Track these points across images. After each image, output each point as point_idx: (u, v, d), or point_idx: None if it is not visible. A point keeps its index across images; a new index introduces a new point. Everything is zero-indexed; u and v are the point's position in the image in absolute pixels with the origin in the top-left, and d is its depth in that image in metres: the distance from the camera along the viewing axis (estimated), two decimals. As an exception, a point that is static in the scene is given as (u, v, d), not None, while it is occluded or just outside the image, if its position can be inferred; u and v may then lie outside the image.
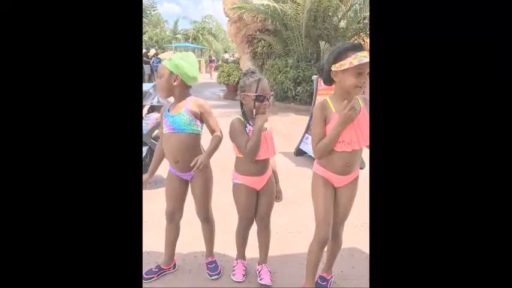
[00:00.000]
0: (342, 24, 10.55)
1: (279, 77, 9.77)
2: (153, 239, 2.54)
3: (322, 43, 8.85)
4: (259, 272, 2.22)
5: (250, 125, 1.97)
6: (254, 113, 1.94)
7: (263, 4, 9.99)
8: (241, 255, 2.31)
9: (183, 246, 2.48)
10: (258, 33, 11.50)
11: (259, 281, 2.17)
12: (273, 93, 2.03)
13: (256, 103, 1.92)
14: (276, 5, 9.59)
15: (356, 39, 10.10)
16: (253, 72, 2.01)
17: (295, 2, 9.13)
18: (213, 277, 2.23)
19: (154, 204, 2.99)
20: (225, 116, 6.81)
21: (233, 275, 2.24)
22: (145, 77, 14.06)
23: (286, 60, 10.05)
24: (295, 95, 9.61)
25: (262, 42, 11.45)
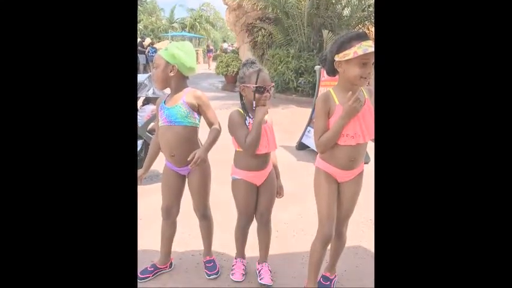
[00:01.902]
0: (346, 12, 10.53)
1: (280, 67, 9.75)
2: (148, 237, 2.53)
3: (325, 32, 8.84)
4: (259, 271, 2.20)
5: (250, 117, 1.95)
6: (254, 105, 1.92)
7: (263, -9, 9.91)
8: (240, 253, 2.28)
9: (179, 245, 2.46)
10: (258, 21, 11.46)
11: (260, 281, 2.14)
12: (273, 84, 2.01)
13: (256, 95, 1.89)
14: (277, -8, 9.50)
15: (360, 28, 10.05)
16: (253, 63, 1.98)
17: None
18: (211, 277, 2.21)
19: (149, 200, 3.01)
20: (224, 108, 6.84)
21: (232, 274, 2.21)
22: (140, 68, 14.13)
23: (288, 50, 10.01)
24: (297, 87, 9.61)
25: (263, 31, 11.43)
